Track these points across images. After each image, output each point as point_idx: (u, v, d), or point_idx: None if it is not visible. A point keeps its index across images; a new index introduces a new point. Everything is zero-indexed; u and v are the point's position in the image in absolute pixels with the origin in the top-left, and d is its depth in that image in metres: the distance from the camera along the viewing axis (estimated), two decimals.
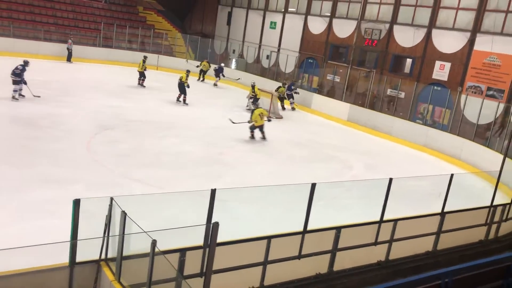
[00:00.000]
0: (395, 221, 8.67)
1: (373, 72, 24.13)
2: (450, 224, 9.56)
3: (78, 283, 6.01)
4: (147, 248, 5.10)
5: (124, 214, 5.61)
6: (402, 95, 22.40)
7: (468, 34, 20.87)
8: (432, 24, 22.43)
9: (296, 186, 9.71)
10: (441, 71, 21.99)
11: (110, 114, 16.94)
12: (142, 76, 23.45)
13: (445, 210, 9.36)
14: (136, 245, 5.65)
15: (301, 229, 7.54)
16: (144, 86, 23.37)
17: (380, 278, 8.25)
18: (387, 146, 19.10)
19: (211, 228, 5.08)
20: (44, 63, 26.30)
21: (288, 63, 28.84)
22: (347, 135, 20.22)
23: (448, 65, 21.72)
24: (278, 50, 31.00)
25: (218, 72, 26.99)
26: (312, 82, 28.03)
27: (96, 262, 6.15)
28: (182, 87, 20.92)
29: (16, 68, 16.88)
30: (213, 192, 6.41)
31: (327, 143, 17.79)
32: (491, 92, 19.91)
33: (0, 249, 4.56)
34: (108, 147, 13.48)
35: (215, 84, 26.95)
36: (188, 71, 21.79)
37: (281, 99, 23.13)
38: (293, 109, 23.62)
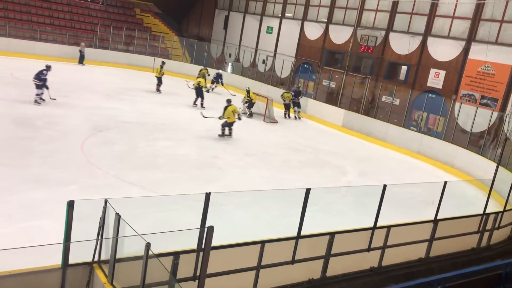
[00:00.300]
0: (388, 227, 8.71)
1: (369, 79, 24.26)
2: (443, 231, 9.61)
3: (70, 285, 5.98)
4: (140, 251, 5.10)
5: (118, 217, 5.60)
6: (397, 102, 22.51)
7: (463, 43, 21.03)
8: (428, 32, 22.59)
9: (290, 191, 9.74)
10: (436, 79, 22.13)
11: (105, 116, 16.90)
12: (159, 81, 23.61)
13: (438, 217, 9.41)
14: (130, 247, 5.64)
15: (295, 234, 7.55)
16: (160, 92, 23.49)
17: (373, 285, 8.29)
18: (381, 152, 19.17)
19: (206, 232, 5.07)
20: (39, 63, 26.20)
21: (284, 68, 28.93)
22: (341, 141, 20.27)
23: (443, 73, 21.87)
24: (274, 54, 31.08)
25: (217, 79, 26.84)
26: (308, 87, 28.10)
27: (89, 264, 6.13)
28: (200, 91, 21.44)
29: (42, 73, 17.06)
30: (207, 195, 6.41)
31: (321, 149, 17.82)
32: (485, 101, 20.05)
33: None
34: (102, 149, 13.45)
35: (211, 89, 26.74)
36: (204, 77, 22.66)
37: (287, 107, 22.69)
38: (298, 118, 22.97)
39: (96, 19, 32.44)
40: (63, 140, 13.51)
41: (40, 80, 16.93)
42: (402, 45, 23.62)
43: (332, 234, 7.93)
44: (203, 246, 5.97)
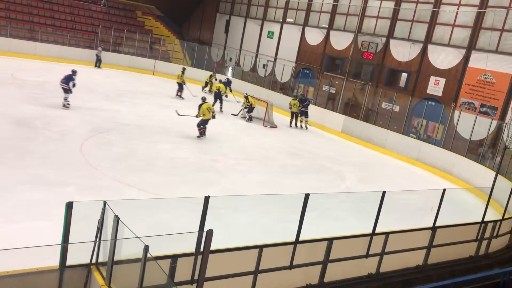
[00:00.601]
0: (387, 234, 8.70)
1: (369, 85, 24.30)
2: (441, 239, 9.61)
3: (68, 287, 5.96)
4: (138, 253, 5.08)
5: (117, 219, 5.59)
6: (397, 108, 22.55)
7: (463, 51, 21.08)
8: (428, 39, 22.64)
9: (289, 196, 9.73)
10: (435, 87, 22.18)
11: (105, 118, 16.90)
12: (180, 87, 23.67)
13: (437, 224, 9.41)
14: (128, 250, 5.62)
15: (293, 239, 7.53)
16: (183, 98, 23.53)
17: None
18: (380, 158, 19.18)
19: (205, 236, 5.06)
20: (40, 64, 26.27)
21: (284, 72, 28.97)
22: (340, 146, 20.28)
23: (442, 80, 21.91)
24: (275, 59, 31.12)
25: (226, 85, 26.66)
26: (308, 93, 28.13)
27: (87, 266, 6.11)
28: (220, 96, 22.35)
29: (71, 78, 17.17)
30: (206, 199, 6.40)
31: (320, 154, 17.82)
32: (484, 109, 20.08)
33: None
34: (101, 150, 13.43)
35: (210, 91, 26.69)
36: (225, 83, 23.93)
37: (294, 115, 22.07)
38: (305, 127, 22.20)
39: (97, 21, 32.48)
40: (62, 141, 13.50)
41: (68, 84, 17.09)
42: (403, 52, 23.67)
43: (330, 240, 7.92)
44: (201, 250, 5.96)
